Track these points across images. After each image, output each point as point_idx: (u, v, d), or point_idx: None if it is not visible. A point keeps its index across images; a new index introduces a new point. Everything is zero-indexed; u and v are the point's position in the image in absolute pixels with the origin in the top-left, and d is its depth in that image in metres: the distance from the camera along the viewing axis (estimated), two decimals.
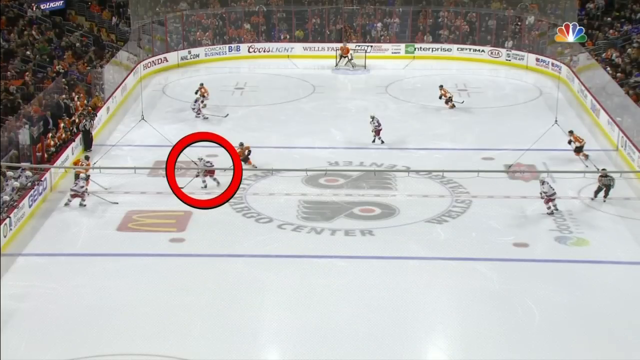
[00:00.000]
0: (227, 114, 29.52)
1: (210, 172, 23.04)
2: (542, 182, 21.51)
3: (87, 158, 23.97)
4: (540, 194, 21.47)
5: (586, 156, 24.76)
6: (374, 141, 26.59)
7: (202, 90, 30.40)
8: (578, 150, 24.79)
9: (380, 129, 26.56)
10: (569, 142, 24.97)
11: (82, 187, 22.02)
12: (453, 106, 30.34)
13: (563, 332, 16.35)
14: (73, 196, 22.00)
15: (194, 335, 16.23)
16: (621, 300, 17.58)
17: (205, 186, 23.07)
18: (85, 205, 21.96)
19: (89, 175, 22.63)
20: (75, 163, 23.96)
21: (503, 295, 17.79)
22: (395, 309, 17.24)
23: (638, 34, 33.39)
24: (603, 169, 22.45)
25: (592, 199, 22.09)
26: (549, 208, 21.31)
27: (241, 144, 24.40)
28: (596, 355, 15.61)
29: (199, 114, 29.32)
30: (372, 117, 26.80)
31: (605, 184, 21.88)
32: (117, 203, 22.18)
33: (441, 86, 30.89)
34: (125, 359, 15.47)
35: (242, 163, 24.04)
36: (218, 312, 17.10)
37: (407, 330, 16.52)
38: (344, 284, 18.30)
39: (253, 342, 16.17)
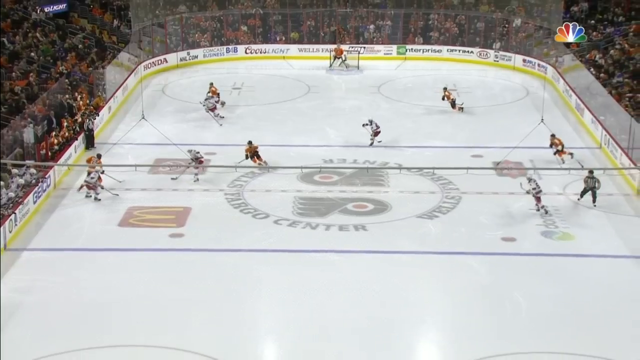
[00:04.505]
0: (222, 124, 28.90)
1: (199, 162, 23.33)
2: (529, 180, 21.34)
3: (99, 157, 23.74)
4: (528, 191, 21.25)
5: (571, 154, 24.53)
6: (371, 144, 26.16)
7: (213, 89, 30.16)
8: (560, 151, 24.50)
9: (379, 132, 26.18)
10: (551, 145, 24.63)
11: (93, 178, 22.02)
12: (461, 109, 29.67)
13: (549, 323, 16.33)
14: (87, 187, 22.07)
15: (193, 327, 16.16)
16: (605, 292, 17.58)
17: (197, 179, 23.16)
18: (100, 200, 21.93)
19: (103, 171, 22.56)
20: (88, 161, 23.79)
21: (492, 288, 17.77)
22: (387, 302, 17.22)
23: (620, 36, 33.41)
24: (590, 171, 21.84)
25: (579, 200, 21.80)
26: (543, 207, 21.02)
27: (250, 142, 24.29)
28: (581, 345, 15.57)
29: (212, 111, 28.95)
30: (370, 121, 26.22)
31: (591, 186, 21.50)
32: (118, 195, 22.22)
33: (445, 88, 30.39)
34: (126, 350, 15.42)
35: (250, 159, 24.10)
36: (216, 304, 17.05)
37: (398, 322, 16.48)
38: (338, 277, 18.27)
39: (250, 334, 16.13)
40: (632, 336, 15.96)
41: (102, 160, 23.44)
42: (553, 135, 24.62)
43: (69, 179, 23.59)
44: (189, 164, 23.41)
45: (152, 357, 15.29)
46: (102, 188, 22.21)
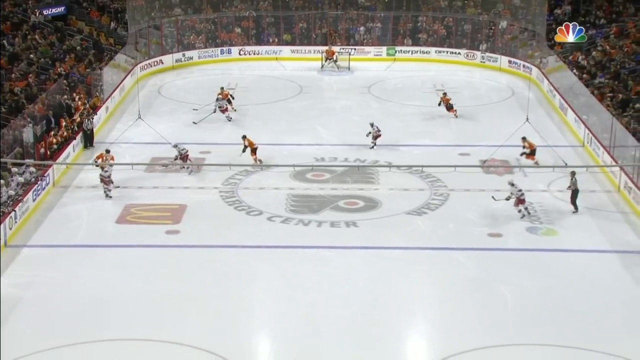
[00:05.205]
0: (195, 122, 28.58)
1: (183, 158, 23.53)
2: (512, 184, 20.90)
3: (107, 151, 23.58)
4: (508, 197, 20.72)
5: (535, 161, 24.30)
6: (372, 147, 25.70)
7: (225, 93, 29.83)
8: (531, 154, 24.29)
9: (380, 135, 25.82)
10: (523, 147, 24.20)
11: (107, 171, 22.06)
12: (455, 116, 28.89)
13: (535, 316, 16.39)
14: (101, 181, 22.11)
15: (190, 321, 16.14)
16: (588, 285, 17.65)
17: (190, 172, 23.48)
18: (111, 197, 21.93)
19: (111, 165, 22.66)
20: (99, 157, 23.60)
21: (479, 282, 17.81)
22: (377, 296, 17.23)
23: (602, 38, 33.51)
24: (573, 172, 21.32)
25: (574, 211, 21.01)
26: (519, 211, 20.72)
27: (244, 137, 24.42)
28: (565, 337, 15.62)
29: (222, 112, 28.72)
30: (372, 124, 25.85)
31: (574, 189, 20.96)
32: (119, 187, 22.34)
33: (444, 93, 29.54)
34: (124, 344, 15.38)
35: (246, 152, 24.17)
36: (212, 299, 17.01)
37: (388, 316, 16.50)
38: (330, 272, 18.28)
39: (245, 328, 16.13)
40: (614, 328, 16.03)
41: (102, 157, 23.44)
42: (524, 138, 24.34)
43: (68, 178, 23.52)
44: (175, 156, 23.67)
45: (149, 351, 15.24)
46: (112, 183, 22.19)
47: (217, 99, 29.09)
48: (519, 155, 24.23)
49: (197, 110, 28.90)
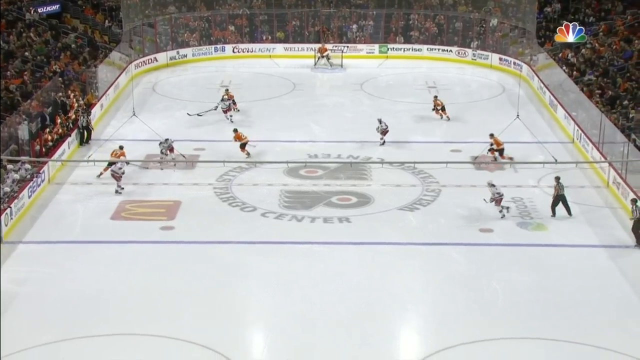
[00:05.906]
0: (190, 114, 28.64)
1: (170, 149, 23.83)
2: (492, 185, 20.76)
3: (121, 148, 23.42)
4: (492, 198, 20.61)
5: (495, 159, 24.11)
6: (382, 143, 25.61)
7: (229, 94, 29.62)
8: (500, 152, 23.93)
9: (387, 131, 25.69)
10: (491, 143, 24.07)
11: (121, 168, 21.99)
12: (448, 118, 28.35)
13: (525, 310, 16.44)
14: (113, 177, 22.03)
15: (185, 317, 16.11)
16: (577, 280, 17.71)
17: (175, 164, 23.71)
18: (121, 193, 21.87)
19: (128, 162, 22.64)
20: (113, 154, 23.42)
21: (470, 277, 17.84)
22: (370, 291, 17.24)
23: (591, 35, 33.56)
24: (557, 177, 20.89)
25: (552, 216, 20.65)
26: (500, 211, 20.57)
27: (235, 130, 24.69)
28: (555, 330, 15.65)
29: (225, 112, 28.53)
30: (380, 120, 25.71)
31: (560, 193, 20.57)
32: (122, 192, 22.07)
33: (435, 97, 29.07)
34: (119, 339, 15.35)
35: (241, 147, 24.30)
36: (206, 295, 17.00)
37: (381, 311, 16.50)
38: (323, 268, 18.28)
39: (239, 323, 16.11)
40: (604, 321, 16.08)
41: (95, 155, 23.31)
42: (491, 135, 24.25)
43: (63, 174, 23.44)
44: (164, 151, 23.82)
45: (145, 346, 15.21)
46: (121, 179, 22.11)
47: (222, 99, 28.96)
48: (488, 150, 24.16)
49: (202, 115, 28.51)
